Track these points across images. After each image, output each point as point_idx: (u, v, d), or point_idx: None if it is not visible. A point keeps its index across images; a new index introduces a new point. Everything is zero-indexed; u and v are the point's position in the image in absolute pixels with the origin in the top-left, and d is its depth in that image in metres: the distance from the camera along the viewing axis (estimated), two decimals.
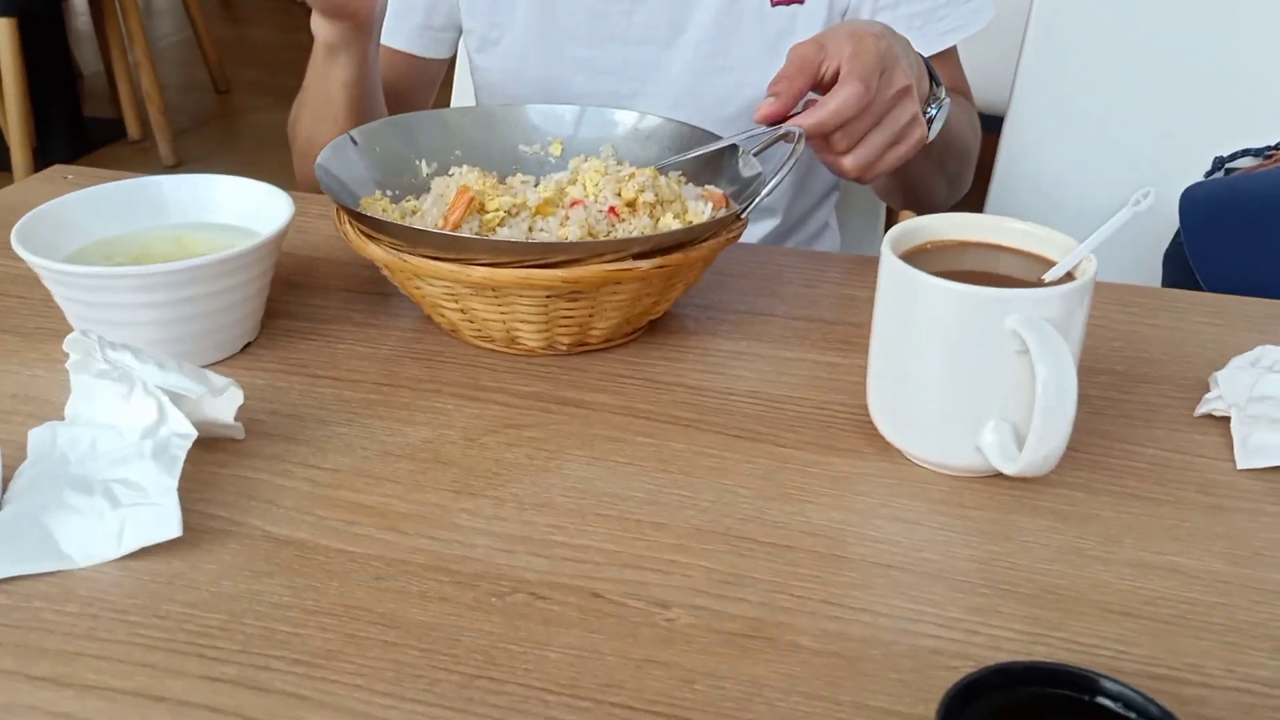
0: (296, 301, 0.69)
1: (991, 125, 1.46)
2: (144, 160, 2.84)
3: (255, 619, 0.45)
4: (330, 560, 0.48)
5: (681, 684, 0.42)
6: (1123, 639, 0.44)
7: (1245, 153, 1.16)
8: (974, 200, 1.43)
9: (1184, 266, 1.03)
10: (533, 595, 0.46)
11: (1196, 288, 1.01)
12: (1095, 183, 1.29)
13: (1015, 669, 0.38)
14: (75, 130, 2.84)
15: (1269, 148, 1.16)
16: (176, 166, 2.79)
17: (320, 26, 0.74)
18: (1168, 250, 1.09)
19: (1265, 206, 1.01)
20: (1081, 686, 0.37)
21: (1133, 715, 0.36)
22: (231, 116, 3.22)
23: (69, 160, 2.77)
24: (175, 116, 2.96)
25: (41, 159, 2.62)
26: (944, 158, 0.82)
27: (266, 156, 2.90)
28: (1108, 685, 0.37)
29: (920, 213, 0.90)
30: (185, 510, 0.48)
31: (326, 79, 0.76)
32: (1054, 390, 0.48)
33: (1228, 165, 1.16)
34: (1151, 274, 1.11)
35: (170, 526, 0.47)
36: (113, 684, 0.42)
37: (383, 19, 0.76)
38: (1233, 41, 1.26)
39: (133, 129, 2.90)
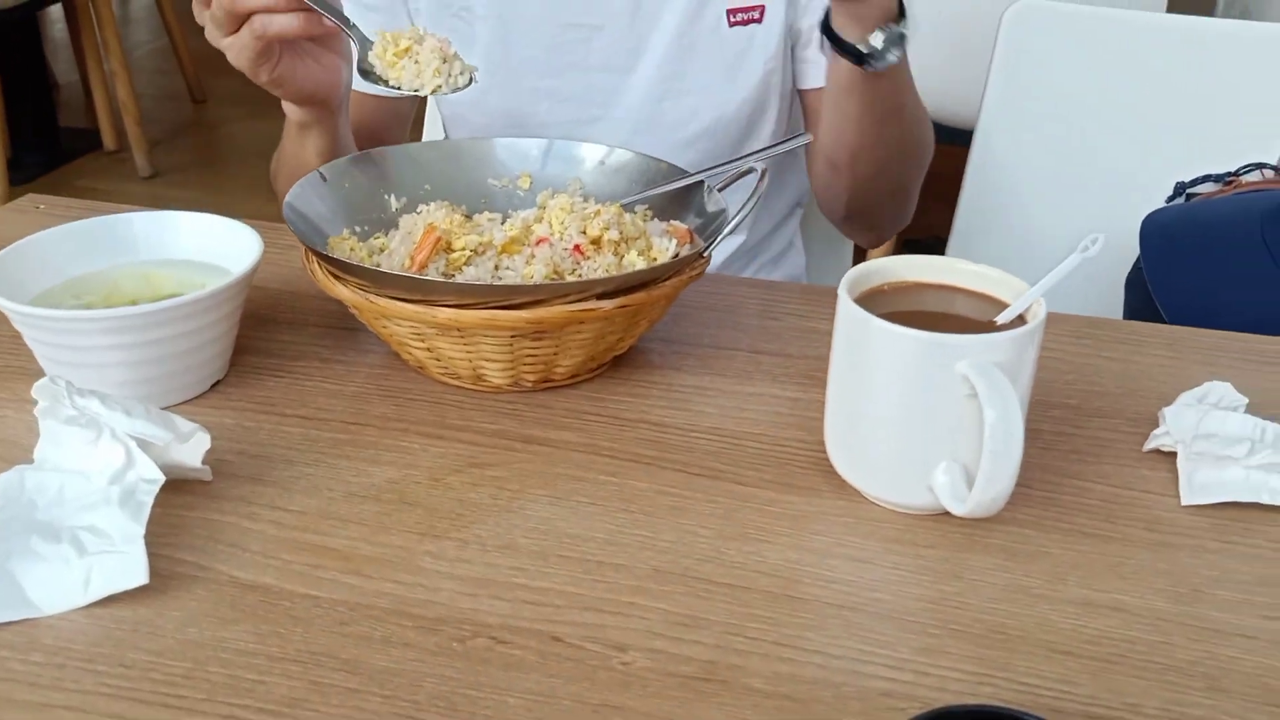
0: (265, 337, 0.70)
1: (963, 139, 1.48)
2: (120, 171, 2.83)
3: (220, 666, 0.46)
4: (295, 606, 0.49)
5: None
6: (1065, 678, 0.45)
7: (1206, 178, 1.18)
8: (943, 219, 1.45)
9: (1145, 291, 1.05)
10: (494, 640, 0.47)
11: (1157, 312, 1.03)
12: (1061, 204, 1.31)
13: (956, 711, 0.39)
14: (50, 141, 2.83)
15: (1229, 174, 1.18)
16: (153, 177, 2.78)
17: (290, 109, 0.75)
18: (1129, 275, 1.11)
19: (1223, 233, 1.03)
20: None
21: None
22: (208, 126, 3.21)
23: (43, 171, 2.77)
24: (151, 126, 2.95)
25: (15, 170, 2.61)
26: (890, 116, 0.80)
27: (243, 167, 2.90)
28: None
29: (868, 218, 0.90)
30: (152, 555, 0.49)
31: (301, 149, 0.78)
32: (1001, 434, 0.49)
33: (1189, 190, 1.19)
34: (1115, 299, 1.13)
35: (137, 574, 0.48)
36: None
37: (349, 94, 0.77)
38: (1198, 68, 1.29)
39: (108, 139, 2.89)
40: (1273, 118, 1.22)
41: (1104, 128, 1.31)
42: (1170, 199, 1.15)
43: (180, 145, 3.07)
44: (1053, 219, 1.27)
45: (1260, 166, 1.16)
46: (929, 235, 1.40)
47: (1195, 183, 1.15)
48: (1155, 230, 1.08)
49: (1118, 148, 1.32)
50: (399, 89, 0.69)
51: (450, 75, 0.68)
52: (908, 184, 0.88)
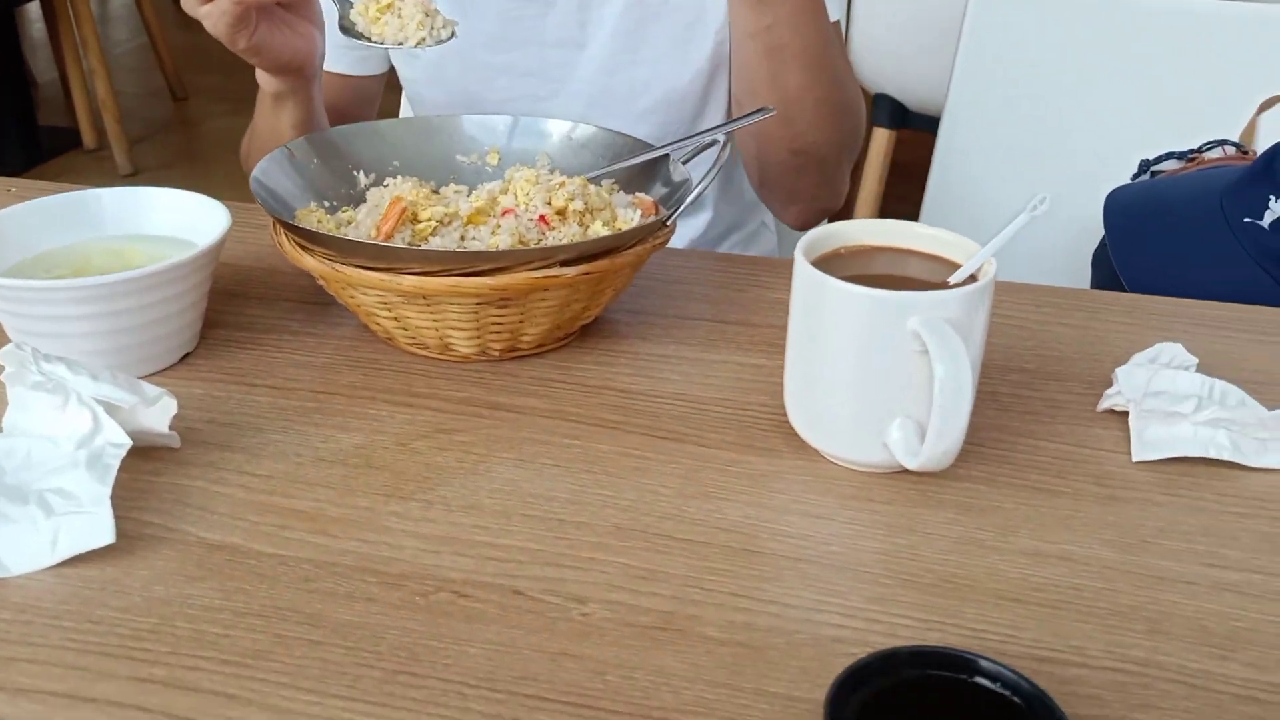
0: (235, 311, 0.70)
1: (929, 126, 1.50)
2: (100, 169, 2.82)
3: (186, 621, 0.47)
4: (261, 564, 0.50)
5: (593, 675, 0.44)
6: (1012, 624, 0.46)
7: (1170, 156, 1.19)
8: (913, 198, 1.46)
9: (1110, 268, 1.06)
10: (456, 594, 0.48)
11: (1122, 288, 1.04)
12: (1028, 184, 1.32)
13: (900, 653, 0.40)
14: (29, 139, 2.83)
15: (1192, 151, 1.19)
16: (134, 175, 2.77)
17: (265, 79, 0.76)
18: (1095, 252, 1.13)
19: (1185, 209, 1.04)
20: (961, 668, 0.40)
21: (1007, 693, 0.39)
22: (189, 124, 3.21)
23: (23, 169, 2.76)
24: (132, 124, 2.94)
25: None
26: (790, 64, 0.78)
27: (225, 164, 2.90)
28: (985, 665, 0.39)
29: (784, 188, 0.87)
30: (119, 517, 0.50)
31: (276, 121, 0.78)
32: (950, 389, 0.50)
33: (1153, 168, 1.20)
34: (1083, 277, 1.15)
35: (103, 534, 0.49)
36: (45, 686, 0.43)
37: (323, 63, 0.78)
38: (1163, 47, 1.30)
39: (88, 138, 2.88)
40: (1236, 95, 1.24)
41: (1070, 108, 1.32)
42: (1135, 177, 1.17)
43: (161, 143, 3.07)
44: (1020, 199, 1.28)
45: (1222, 143, 1.18)
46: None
47: (1159, 160, 1.17)
48: (1118, 208, 1.09)
49: (1084, 127, 1.34)
50: (382, 43, 0.70)
51: (433, 28, 0.69)
52: (824, 151, 0.84)
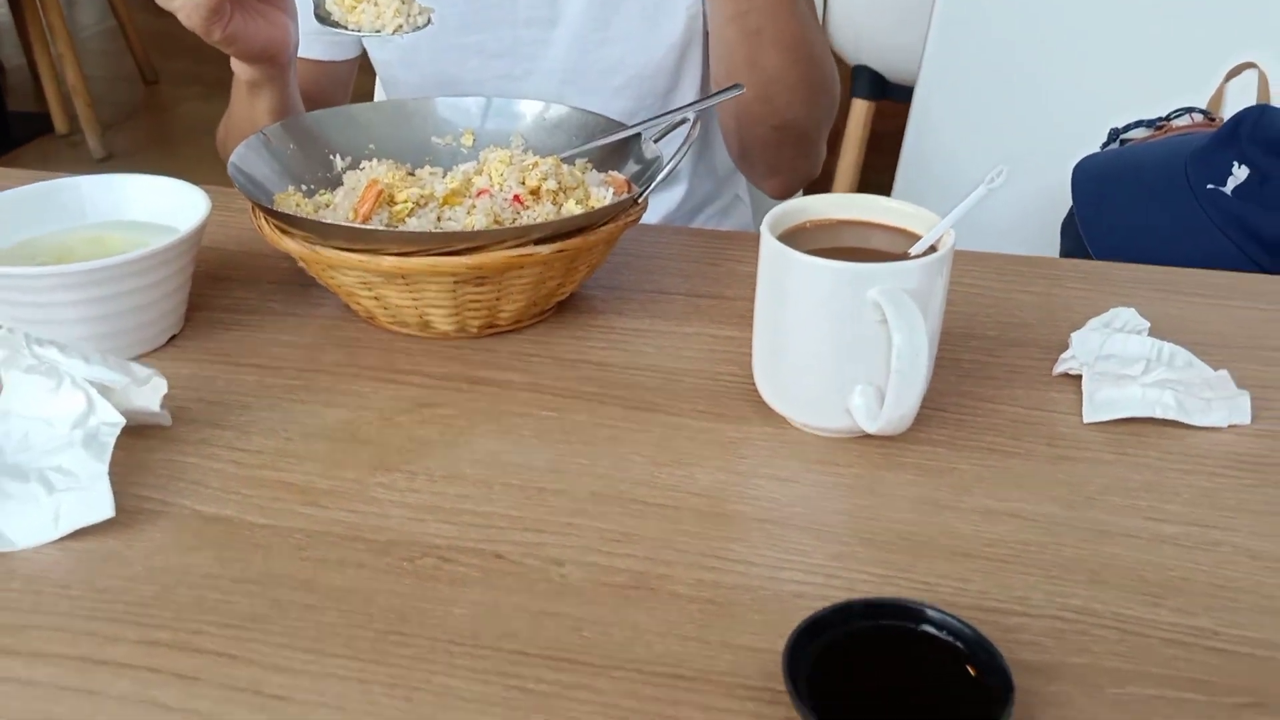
0: (219, 294, 0.72)
1: (907, 97, 1.52)
2: (73, 155, 2.81)
3: (187, 589, 0.49)
4: (255, 534, 0.52)
5: (571, 631, 0.47)
6: (963, 577, 0.49)
7: (1139, 124, 1.22)
8: (892, 167, 1.48)
9: (1078, 237, 1.09)
10: (441, 559, 0.51)
11: (1089, 256, 1.07)
12: (999, 153, 1.35)
13: (855, 605, 0.43)
14: None
15: (1160, 119, 1.22)
16: (107, 160, 2.76)
17: (240, 68, 0.77)
18: (1064, 221, 1.16)
19: (1151, 176, 1.07)
20: (910, 617, 0.42)
21: (951, 639, 0.42)
22: (161, 108, 3.19)
23: None
24: (103, 109, 2.93)
25: None
26: (770, 46, 0.80)
27: (199, 147, 2.89)
28: (932, 615, 0.42)
29: (765, 161, 0.89)
30: (117, 493, 0.52)
31: (252, 109, 0.80)
32: (907, 356, 0.53)
33: (1122, 136, 1.23)
34: (1052, 246, 1.17)
35: (103, 508, 0.51)
36: (59, 651, 0.46)
37: (298, 50, 0.79)
38: (1131, 16, 1.33)
39: (59, 123, 2.86)
40: (1204, 63, 1.26)
41: (1043, 77, 1.34)
42: (1105, 145, 1.20)
43: (133, 127, 3.05)
44: (992, 165, 1.31)
45: (1190, 111, 1.21)
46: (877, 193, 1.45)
47: (1128, 128, 1.20)
48: (1086, 175, 1.12)
49: (1056, 96, 1.36)
50: (359, 31, 0.71)
51: (409, 15, 0.71)
52: (804, 126, 0.86)
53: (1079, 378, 0.64)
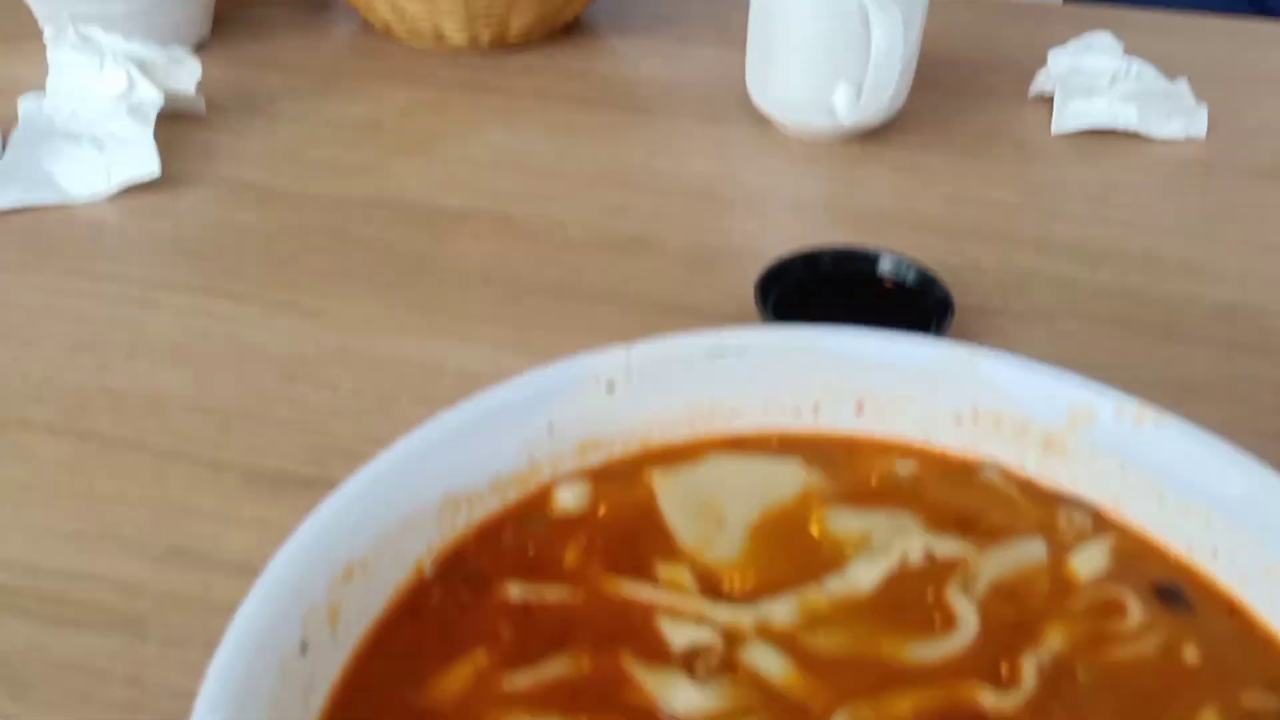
0: (241, 10, 0.76)
1: None
2: None
3: (231, 236, 0.55)
4: (287, 198, 0.58)
5: (573, 274, 0.53)
6: (924, 245, 0.55)
7: None
8: None
9: None
10: (456, 220, 0.57)
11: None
12: None
13: (817, 252, 0.49)
14: None
15: None
16: None
17: None
18: None
19: None
20: (866, 261, 0.48)
21: (903, 277, 0.48)
22: None
23: None
24: None
25: None
26: None
27: None
28: (885, 258, 0.48)
29: None
30: (160, 162, 0.58)
31: None
32: (884, 49, 0.57)
33: None
34: None
35: (150, 165, 0.57)
36: (120, 272, 0.52)
37: None
38: None
39: None
40: None
41: None
42: None
43: None
44: None
45: None
46: None
47: None
48: None
49: None
50: None
51: None
52: None
53: (1052, 100, 0.68)
